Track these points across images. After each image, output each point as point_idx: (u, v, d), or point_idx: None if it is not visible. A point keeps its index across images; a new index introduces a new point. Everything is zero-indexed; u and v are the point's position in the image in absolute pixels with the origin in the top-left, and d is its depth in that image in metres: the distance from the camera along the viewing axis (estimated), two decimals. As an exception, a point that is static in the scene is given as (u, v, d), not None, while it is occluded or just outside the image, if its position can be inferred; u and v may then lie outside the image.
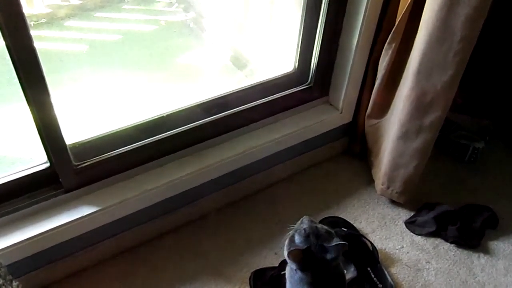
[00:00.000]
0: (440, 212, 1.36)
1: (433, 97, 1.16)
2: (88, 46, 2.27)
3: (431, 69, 1.12)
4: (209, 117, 1.25)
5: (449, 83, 1.13)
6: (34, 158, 1.09)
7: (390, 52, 1.23)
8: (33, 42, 0.87)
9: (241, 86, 1.32)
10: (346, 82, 1.37)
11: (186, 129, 1.22)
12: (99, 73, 2.05)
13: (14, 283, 0.64)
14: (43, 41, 2.22)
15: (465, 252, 1.32)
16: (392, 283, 1.20)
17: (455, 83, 1.13)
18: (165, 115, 1.19)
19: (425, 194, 1.46)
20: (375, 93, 1.33)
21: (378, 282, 1.21)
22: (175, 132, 1.21)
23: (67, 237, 1.09)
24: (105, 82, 1.99)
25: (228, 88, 1.30)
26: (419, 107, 1.19)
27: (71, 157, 1.06)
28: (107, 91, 1.93)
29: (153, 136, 1.18)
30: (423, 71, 1.13)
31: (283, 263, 1.19)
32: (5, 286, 0.62)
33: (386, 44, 1.23)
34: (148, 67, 2.14)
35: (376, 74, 1.31)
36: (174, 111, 1.21)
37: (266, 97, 1.33)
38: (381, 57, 1.26)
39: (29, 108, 0.94)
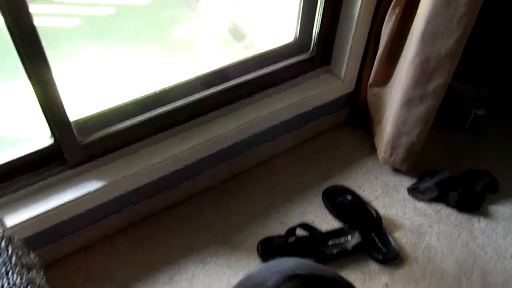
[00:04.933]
0: (441, 179, 1.38)
1: (437, 64, 1.16)
2: (81, 21, 2.23)
3: (436, 35, 1.11)
4: (210, 90, 1.25)
5: (453, 49, 1.12)
6: (34, 137, 1.09)
7: (393, 18, 1.21)
8: (32, 18, 0.85)
9: (241, 58, 1.31)
10: (348, 51, 1.36)
11: (187, 102, 1.21)
12: (95, 48, 2.02)
13: (31, 255, 0.65)
14: (35, 17, 2.18)
15: (466, 216, 1.34)
16: (396, 247, 1.23)
17: (460, 49, 1.12)
18: (166, 89, 1.18)
19: (426, 162, 1.48)
20: (378, 61, 1.32)
21: (382, 247, 1.23)
22: (176, 106, 1.20)
23: (73, 213, 1.10)
24: (101, 57, 1.96)
25: (228, 60, 1.29)
26: (423, 73, 1.19)
27: (75, 133, 1.06)
28: (104, 66, 1.91)
29: (155, 110, 1.17)
30: (428, 37, 1.12)
31: (289, 232, 1.22)
32: (23, 257, 0.62)
33: (389, 10, 1.21)
34: (144, 41, 2.11)
35: (378, 42, 1.30)
36: (174, 85, 1.20)
37: (267, 68, 1.32)
38: (384, 24, 1.25)
39: (31, 84, 0.93)
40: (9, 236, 0.64)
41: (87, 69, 1.87)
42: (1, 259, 0.60)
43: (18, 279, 0.59)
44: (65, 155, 1.07)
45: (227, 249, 1.23)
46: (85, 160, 1.12)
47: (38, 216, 1.03)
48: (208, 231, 1.28)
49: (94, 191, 1.09)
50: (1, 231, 0.64)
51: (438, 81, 1.19)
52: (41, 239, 1.10)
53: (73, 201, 1.06)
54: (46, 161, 1.08)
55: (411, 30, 1.20)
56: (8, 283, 0.58)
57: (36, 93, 0.95)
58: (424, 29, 1.12)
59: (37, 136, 1.09)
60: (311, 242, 1.23)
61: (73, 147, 1.07)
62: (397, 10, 1.20)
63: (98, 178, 1.11)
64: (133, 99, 1.15)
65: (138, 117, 1.16)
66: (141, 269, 1.18)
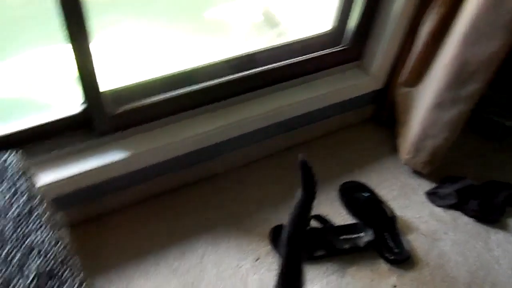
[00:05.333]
0: (462, 186, 1.36)
1: (476, 67, 1.13)
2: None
3: (479, 38, 1.09)
4: (241, 72, 1.25)
5: (495, 54, 1.09)
6: (66, 103, 1.11)
7: (434, 17, 1.19)
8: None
9: (275, 44, 1.30)
10: (382, 47, 1.34)
11: (217, 83, 1.22)
12: (127, 22, 2.03)
13: (59, 214, 0.67)
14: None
15: (484, 226, 1.33)
16: (408, 249, 1.22)
17: (502, 54, 1.09)
18: (198, 67, 1.19)
19: (449, 167, 1.46)
20: (412, 60, 1.30)
21: (394, 247, 1.23)
22: (207, 86, 1.21)
23: (97, 180, 1.12)
24: (133, 31, 1.97)
25: (261, 45, 1.29)
26: (460, 76, 1.17)
27: (105, 103, 1.08)
28: (136, 40, 1.92)
29: (185, 87, 1.19)
30: (470, 40, 1.10)
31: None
32: (53, 215, 0.65)
33: (431, 8, 1.19)
34: (177, 19, 2.11)
35: (414, 41, 1.28)
36: (206, 64, 1.21)
37: (299, 56, 1.32)
38: (423, 22, 1.23)
39: (73, 49, 0.95)
40: (41, 195, 0.67)
41: (119, 41, 1.89)
42: (35, 215, 0.63)
43: (49, 234, 0.62)
44: (93, 124, 1.10)
45: (240, 232, 1.25)
46: (113, 130, 1.14)
47: (64, 179, 1.06)
48: (224, 212, 1.29)
49: (119, 161, 1.11)
50: (35, 189, 0.67)
51: (474, 86, 1.17)
52: (61, 203, 1.13)
53: (97, 169, 1.09)
54: (75, 127, 1.11)
55: (452, 31, 1.17)
56: (41, 237, 0.61)
57: (76, 58, 0.97)
58: (467, 31, 1.09)
59: (69, 102, 1.11)
60: (323, 234, 1.23)
61: (102, 116, 1.09)
62: (439, 9, 1.17)
63: (124, 148, 1.13)
64: (163, 75, 1.16)
65: (167, 93, 1.17)
66: (154, 241, 1.21)
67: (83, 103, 1.07)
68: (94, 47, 0.97)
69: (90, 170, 1.08)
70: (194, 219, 1.27)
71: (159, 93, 1.16)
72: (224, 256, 1.19)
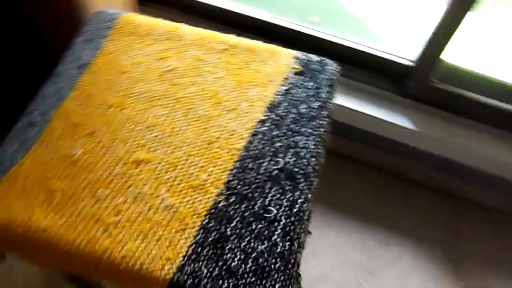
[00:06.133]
0: None
1: None
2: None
3: None
4: None
5: None
6: (393, 47, 1.08)
7: None
8: None
9: None
10: None
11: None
12: None
13: (328, 135, 0.68)
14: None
15: None
16: None
17: None
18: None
19: None
20: None
21: None
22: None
23: (378, 131, 1.10)
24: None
25: None
26: None
27: (434, 71, 1.01)
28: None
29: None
30: None
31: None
32: (324, 132, 0.66)
33: None
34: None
35: None
36: None
37: None
38: None
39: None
40: (330, 110, 0.69)
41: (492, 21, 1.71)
42: (314, 122, 0.66)
43: (314, 146, 0.65)
44: (409, 82, 1.06)
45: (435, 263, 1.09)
46: (422, 100, 1.08)
47: (353, 110, 1.08)
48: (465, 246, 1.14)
49: (407, 129, 1.06)
50: (330, 102, 0.69)
51: None
52: (341, 130, 1.16)
53: (384, 121, 1.07)
54: (392, 75, 1.09)
55: None
56: (306, 143, 0.64)
57: (444, 17, 0.92)
58: None
59: (399, 48, 1.08)
60: None
61: (422, 82, 1.04)
62: None
63: (418, 121, 1.07)
64: (505, 82, 1.01)
65: (497, 101, 1.02)
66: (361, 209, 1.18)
67: (415, 59, 1.03)
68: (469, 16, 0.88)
69: (378, 118, 1.06)
70: (419, 221, 1.16)
71: (488, 95, 1.03)
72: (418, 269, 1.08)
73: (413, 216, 1.18)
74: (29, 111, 0.70)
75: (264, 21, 1.08)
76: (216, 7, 1.09)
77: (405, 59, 1.05)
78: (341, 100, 1.08)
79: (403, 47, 1.20)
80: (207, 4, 1.10)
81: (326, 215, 1.16)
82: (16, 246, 0.61)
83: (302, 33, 1.08)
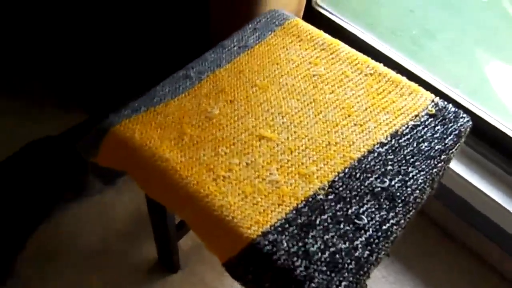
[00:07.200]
0: None
1: None
2: None
3: None
4: None
5: None
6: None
7: None
8: None
9: None
10: None
11: None
12: None
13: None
14: None
15: None
16: None
17: None
18: None
19: None
20: None
21: None
22: None
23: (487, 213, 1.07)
24: None
25: None
26: None
27: None
28: None
29: None
30: None
31: None
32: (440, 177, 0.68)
33: None
34: None
35: None
36: None
37: None
38: None
39: None
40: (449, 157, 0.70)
41: None
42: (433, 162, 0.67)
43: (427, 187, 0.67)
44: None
45: None
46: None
47: (464, 180, 1.05)
48: None
49: None
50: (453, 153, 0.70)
51: None
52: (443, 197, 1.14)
53: (494, 202, 1.02)
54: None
55: None
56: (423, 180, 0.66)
57: None
58: None
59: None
60: None
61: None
62: None
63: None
64: None
65: None
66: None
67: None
68: None
69: (489, 197, 1.02)
70: None
71: None
72: None
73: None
74: (188, 66, 0.81)
75: (409, 70, 1.11)
76: (370, 45, 1.16)
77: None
78: (457, 167, 1.06)
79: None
80: (362, 40, 1.17)
81: (401, 274, 1.12)
82: (137, 166, 0.72)
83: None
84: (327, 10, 1.22)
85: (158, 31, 1.33)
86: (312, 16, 1.19)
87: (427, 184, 0.66)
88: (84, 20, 1.35)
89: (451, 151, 0.71)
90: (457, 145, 0.72)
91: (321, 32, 0.87)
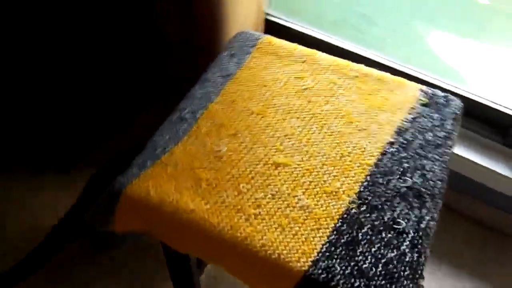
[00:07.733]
0: None
1: None
2: None
3: None
4: None
5: None
6: None
7: None
8: None
9: None
10: None
11: None
12: None
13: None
14: None
15: None
16: None
17: None
18: None
19: None
20: None
21: None
22: None
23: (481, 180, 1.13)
24: None
25: None
26: None
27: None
28: None
29: None
30: None
31: None
32: (447, 160, 0.71)
33: None
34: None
35: None
36: None
37: None
38: None
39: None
40: (453, 139, 0.74)
41: None
42: (440, 150, 0.70)
43: (439, 170, 0.70)
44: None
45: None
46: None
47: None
48: None
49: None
50: (453, 134, 0.74)
51: None
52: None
53: (485, 169, 1.09)
54: (498, 126, 1.11)
55: None
56: (431, 167, 0.67)
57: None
58: None
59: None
60: None
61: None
62: None
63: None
64: None
65: None
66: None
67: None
68: None
69: (479, 165, 1.09)
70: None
71: None
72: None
73: None
74: (180, 108, 0.79)
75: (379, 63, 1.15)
76: (337, 46, 1.18)
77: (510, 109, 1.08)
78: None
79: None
80: (329, 43, 1.19)
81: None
82: (160, 224, 0.70)
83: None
84: (277, 17, 1.22)
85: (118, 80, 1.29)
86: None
87: (444, 173, 0.70)
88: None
89: (453, 134, 0.75)
90: (456, 126, 0.76)
91: (295, 44, 0.88)
